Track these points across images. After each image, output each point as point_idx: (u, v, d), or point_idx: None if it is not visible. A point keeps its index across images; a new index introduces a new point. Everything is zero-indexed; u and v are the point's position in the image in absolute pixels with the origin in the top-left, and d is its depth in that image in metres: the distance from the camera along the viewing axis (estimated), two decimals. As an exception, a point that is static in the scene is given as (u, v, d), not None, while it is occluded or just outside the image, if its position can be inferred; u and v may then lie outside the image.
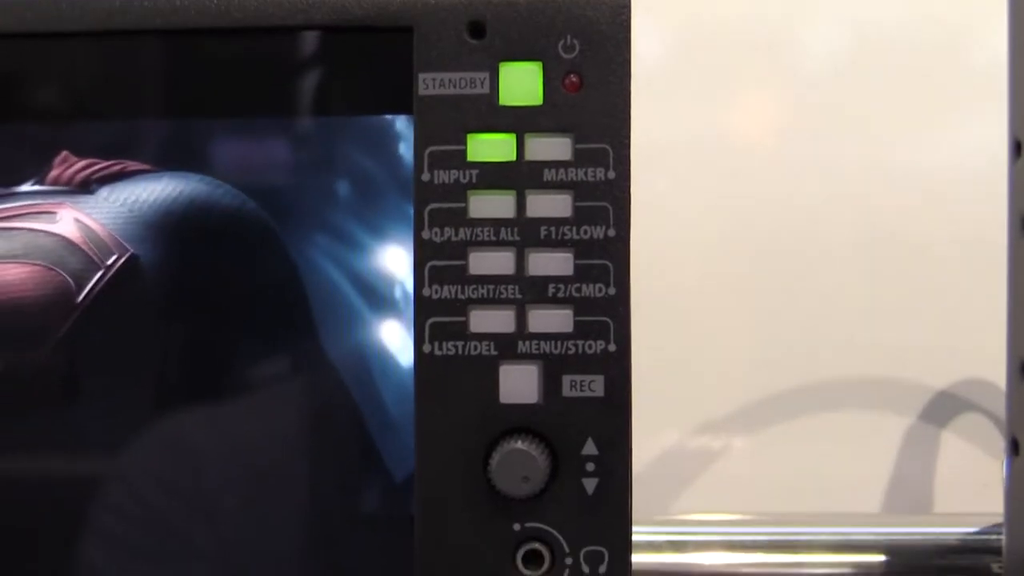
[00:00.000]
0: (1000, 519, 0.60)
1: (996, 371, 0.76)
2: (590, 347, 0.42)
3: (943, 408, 0.83)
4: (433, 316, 0.42)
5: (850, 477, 0.80)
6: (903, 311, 0.82)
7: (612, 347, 0.41)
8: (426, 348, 0.42)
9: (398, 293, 0.43)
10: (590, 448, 0.42)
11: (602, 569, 0.42)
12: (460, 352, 0.42)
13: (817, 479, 0.81)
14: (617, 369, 0.41)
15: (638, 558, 0.42)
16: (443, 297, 0.42)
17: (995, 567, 0.60)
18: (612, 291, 0.41)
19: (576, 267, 0.41)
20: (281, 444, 0.44)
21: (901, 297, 0.82)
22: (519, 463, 0.41)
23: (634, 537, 0.42)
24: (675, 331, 0.81)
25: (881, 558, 0.61)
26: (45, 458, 0.44)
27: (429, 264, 0.42)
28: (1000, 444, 0.73)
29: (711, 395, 0.83)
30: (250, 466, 0.44)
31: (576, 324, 0.42)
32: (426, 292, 0.42)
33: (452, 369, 0.42)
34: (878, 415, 0.82)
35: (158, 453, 0.44)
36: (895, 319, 0.82)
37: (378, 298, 0.43)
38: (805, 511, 0.66)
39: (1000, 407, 0.76)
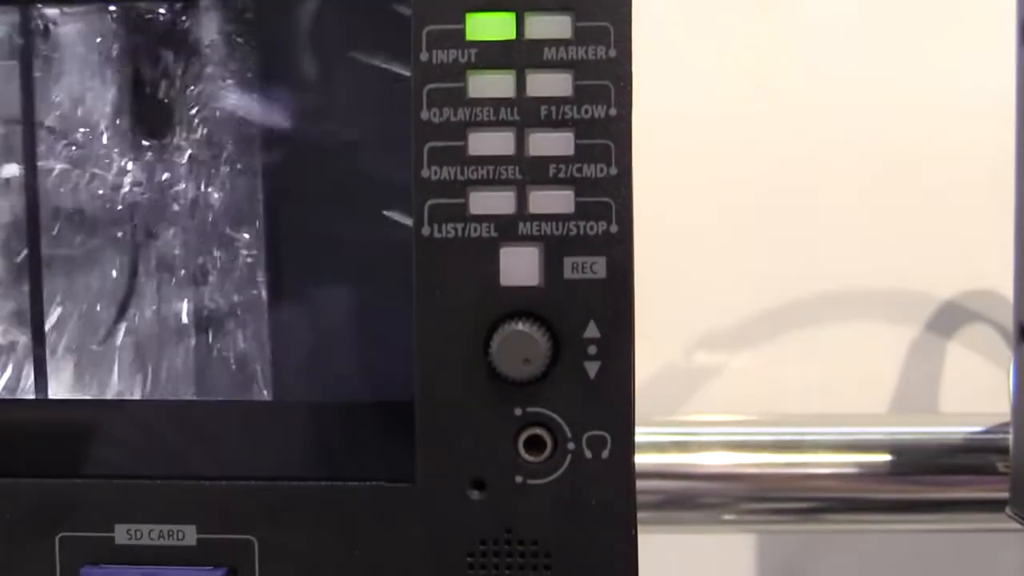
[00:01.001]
0: (1007, 419, 0.60)
1: (1003, 283, 0.76)
2: (591, 228, 0.41)
3: (950, 319, 0.82)
4: (432, 198, 0.42)
5: (856, 387, 0.80)
6: (909, 225, 0.81)
7: (614, 228, 0.41)
8: (425, 231, 0.42)
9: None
10: (592, 331, 0.41)
11: (605, 454, 0.42)
12: (460, 234, 0.42)
13: (823, 390, 0.81)
14: (619, 251, 0.41)
15: (641, 459, 0.42)
16: (442, 179, 0.42)
17: (1001, 466, 0.60)
18: (614, 171, 0.41)
19: (577, 147, 0.41)
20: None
21: (908, 211, 0.81)
22: (520, 345, 0.41)
23: (638, 438, 0.42)
24: (688, 245, 0.81)
25: (886, 458, 0.61)
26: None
27: (428, 145, 0.42)
28: (1006, 354, 0.74)
29: (718, 309, 0.83)
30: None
31: (577, 205, 0.41)
32: (425, 173, 0.42)
33: (452, 252, 0.42)
34: (885, 326, 0.82)
35: None
36: (901, 233, 0.82)
37: None
38: (810, 412, 0.66)
39: (1007, 319, 0.76)
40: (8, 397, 0.45)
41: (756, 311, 0.83)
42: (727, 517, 0.61)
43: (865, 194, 0.82)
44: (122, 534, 0.43)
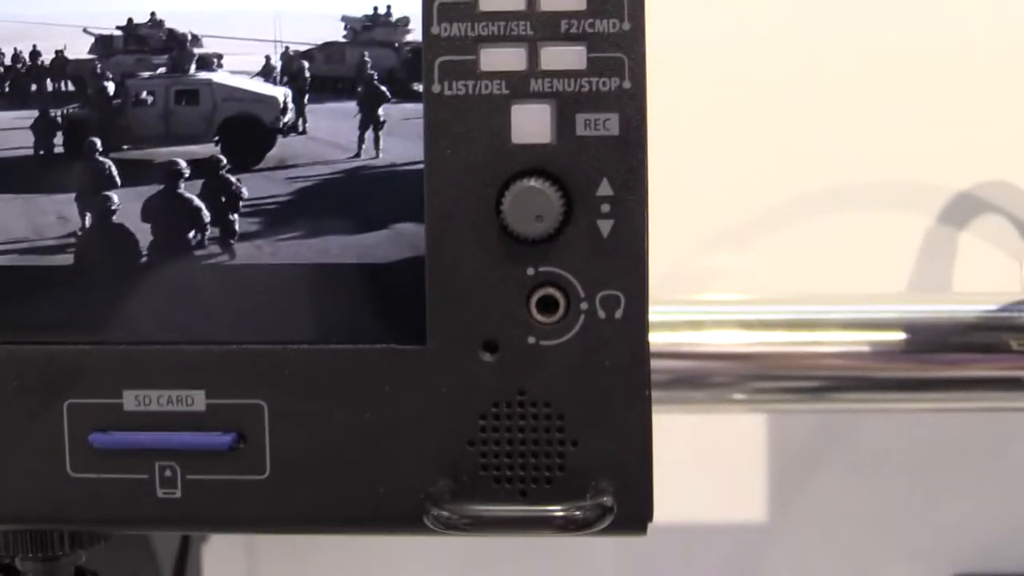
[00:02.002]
0: (1022, 297, 0.60)
1: (1017, 173, 0.76)
2: (604, 84, 0.41)
3: (963, 210, 0.82)
4: (442, 55, 0.42)
5: (869, 278, 0.80)
6: (922, 115, 0.81)
7: (627, 84, 0.41)
8: (435, 88, 0.42)
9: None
10: (605, 189, 0.41)
11: (618, 314, 0.42)
12: (470, 92, 0.42)
13: (835, 283, 0.81)
14: (632, 107, 0.41)
15: (654, 337, 0.42)
16: (452, 35, 0.41)
17: (1015, 344, 0.60)
18: (627, 26, 0.41)
19: (589, 1, 0.41)
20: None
21: (922, 101, 0.81)
22: (532, 201, 0.41)
23: (651, 317, 0.42)
24: (695, 140, 0.81)
25: (900, 336, 0.61)
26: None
27: (438, 1, 0.41)
28: (1019, 245, 0.74)
29: (730, 201, 0.83)
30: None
31: (590, 61, 0.41)
32: (435, 30, 0.41)
33: (462, 109, 0.42)
34: (898, 217, 0.82)
35: None
36: (913, 123, 0.82)
37: None
38: (823, 291, 0.66)
39: (1021, 210, 0.76)
40: (15, 264, 0.45)
41: (765, 206, 0.83)
42: (737, 396, 0.61)
43: (878, 85, 0.81)
44: (131, 400, 0.44)
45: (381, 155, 0.43)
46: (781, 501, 0.85)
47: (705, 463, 0.84)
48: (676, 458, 0.65)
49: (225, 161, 0.44)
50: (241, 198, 0.44)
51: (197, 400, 0.44)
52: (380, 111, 0.43)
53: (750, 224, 0.83)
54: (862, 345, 0.61)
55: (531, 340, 0.42)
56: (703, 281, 0.84)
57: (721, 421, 0.82)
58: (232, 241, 0.44)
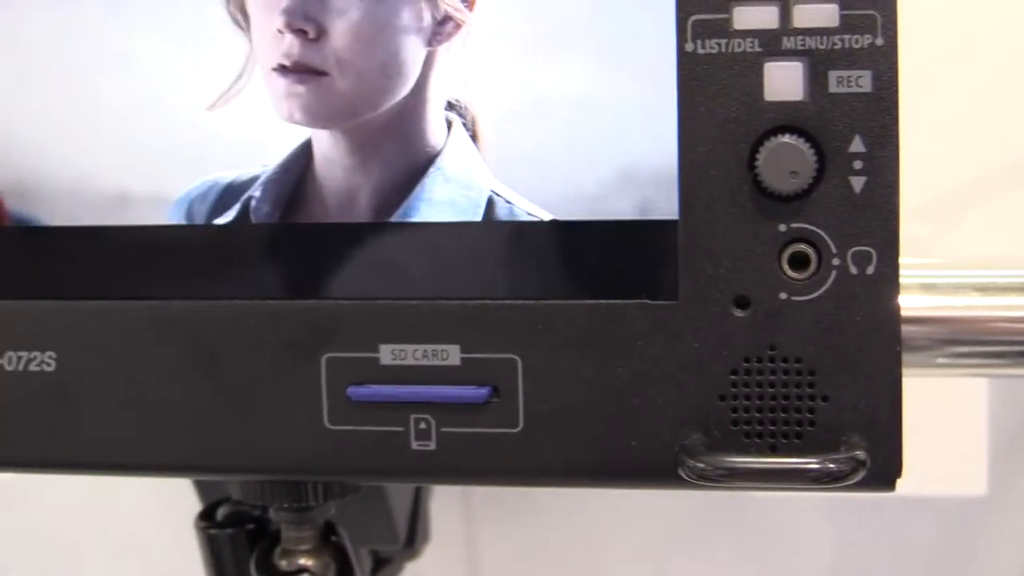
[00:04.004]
0: None
1: None
2: (856, 41, 0.43)
3: None
4: (695, 14, 0.43)
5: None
6: None
7: (880, 41, 0.43)
8: (688, 47, 0.43)
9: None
10: (857, 145, 0.43)
11: (870, 270, 0.43)
12: (723, 50, 0.43)
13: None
14: (885, 63, 0.43)
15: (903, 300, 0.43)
16: (705, -7, 0.43)
17: None
18: None
19: (842, -41, 0.42)
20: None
21: None
22: (787, 157, 0.43)
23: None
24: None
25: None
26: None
27: (690, -40, 0.43)
28: None
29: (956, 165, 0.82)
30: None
31: (842, 18, 0.43)
32: (687, -11, 0.43)
33: (715, 67, 0.43)
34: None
35: None
36: None
37: None
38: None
39: None
40: (276, 221, 0.48)
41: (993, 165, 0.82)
42: (940, 361, 0.61)
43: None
44: (387, 354, 0.46)
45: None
46: (1001, 474, 0.85)
47: (922, 433, 0.84)
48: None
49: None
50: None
51: (452, 354, 0.46)
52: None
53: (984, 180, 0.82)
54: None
55: (783, 296, 0.44)
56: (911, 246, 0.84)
57: (937, 390, 0.82)
58: (487, 199, 0.46)
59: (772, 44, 0.43)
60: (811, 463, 0.43)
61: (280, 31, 0.47)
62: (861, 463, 0.43)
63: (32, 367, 0.49)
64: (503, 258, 0.46)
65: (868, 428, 0.44)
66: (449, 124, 0.46)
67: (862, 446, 0.44)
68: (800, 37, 0.43)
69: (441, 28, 0.46)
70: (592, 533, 0.86)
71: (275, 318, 0.48)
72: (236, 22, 0.48)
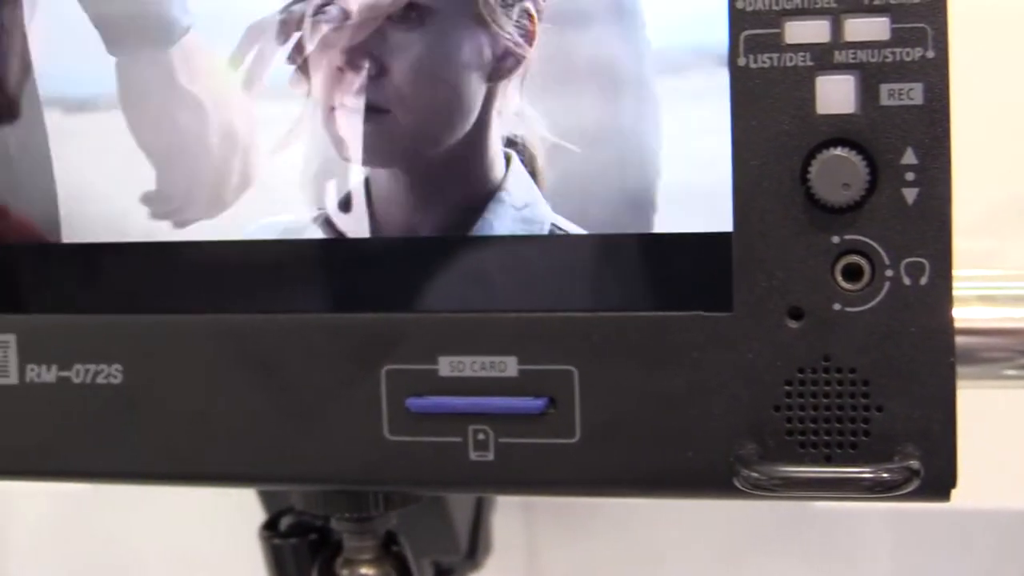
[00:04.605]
0: None
1: None
2: (907, 55, 0.44)
3: None
4: (747, 29, 0.44)
5: None
6: None
7: (931, 54, 0.43)
8: (741, 61, 0.44)
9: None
10: (909, 157, 0.44)
11: (923, 281, 0.44)
12: (776, 64, 0.44)
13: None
14: (936, 76, 0.43)
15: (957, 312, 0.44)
16: (757, 9, 0.44)
17: None
18: None
19: (893, -28, 0.43)
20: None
21: None
22: (839, 169, 0.43)
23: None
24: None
25: None
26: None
27: (742, -24, 0.44)
28: None
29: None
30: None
31: (893, 31, 0.44)
32: (740, 4, 0.44)
33: (767, 82, 0.44)
34: None
35: None
36: None
37: None
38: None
39: None
40: (336, 236, 0.49)
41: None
42: (1008, 372, 0.61)
43: None
44: (445, 366, 0.47)
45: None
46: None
47: (982, 446, 0.84)
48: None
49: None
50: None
51: (509, 366, 0.47)
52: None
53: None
54: None
55: (836, 307, 0.44)
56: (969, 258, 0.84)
57: (1002, 402, 0.82)
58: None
59: (824, 58, 0.44)
60: (865, 472, 0.44)
61: (341, 69, 0.48)
62: (915, 473, 0.44)
63: (99, 379, 0.51)
64: (560, 271, 0.47)
65: (922, 438, 0.45)
66: (508, 159, 0.47)
67: (916, 456, 0.44)
68: (852, 51, 0.44)
69: (501, 64, 0.47)
70: (654, 545, 0.86)
71: (336, 331, 0.49)
72: (295, 63, 0.49)
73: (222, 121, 0.49)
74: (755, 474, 0.44)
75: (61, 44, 0.51)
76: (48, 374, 0.51)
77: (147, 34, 0.49)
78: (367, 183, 0.49)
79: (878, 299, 0.44)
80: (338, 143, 0.49)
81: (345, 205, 0.49)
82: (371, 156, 0.49)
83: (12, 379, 0.52)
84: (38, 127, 0.51)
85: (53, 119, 0.51)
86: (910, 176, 0.44)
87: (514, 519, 0.85)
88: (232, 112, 0.49)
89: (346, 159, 0.49)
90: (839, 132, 0.44)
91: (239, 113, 0.49)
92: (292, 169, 0.49)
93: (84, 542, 0.92)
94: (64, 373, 0.51)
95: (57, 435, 0.51)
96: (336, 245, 0.49)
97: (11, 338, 0.52)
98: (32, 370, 0.51)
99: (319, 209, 0.49)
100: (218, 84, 0.49)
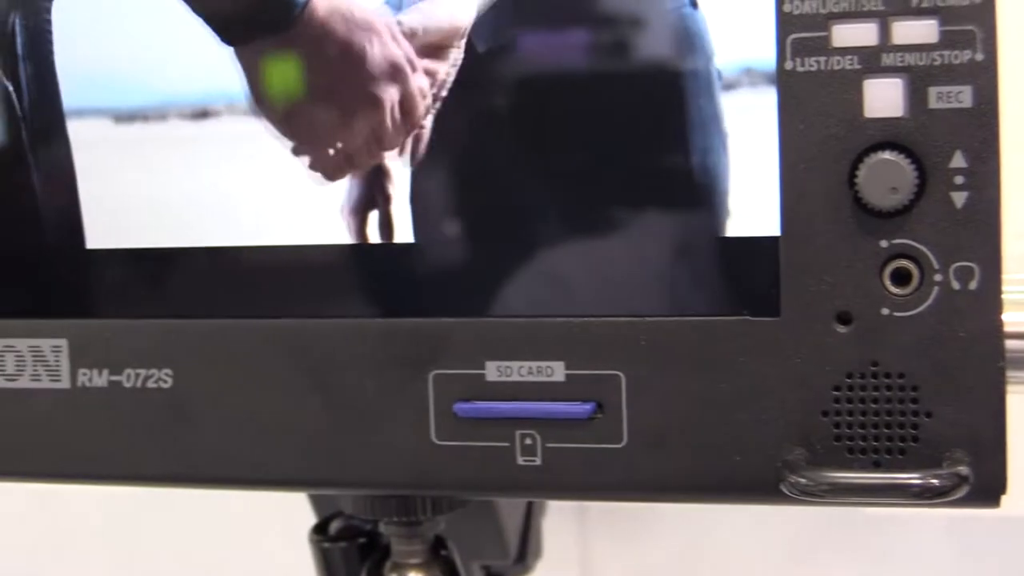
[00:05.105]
0: None
1: None
2: (956, 57, 0.44)
3: None
4: (794, 32, 0.44)
5: None
6: None
7: (979, 56, 0.43)
8: (788, 65, 0.44)
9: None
10: (958, 161, 0.44)
11: (972, 285, 0.44)
12: (823, 67, 0.44)
13: None
14: (985, 79, 0.43)
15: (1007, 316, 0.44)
16: (804, 12, 0.44)
17: None
18: None
19: (940, -25, 0.43)
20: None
21: None
22: (887, 173, 0.43)
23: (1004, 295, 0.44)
24: None
25: None
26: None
27: (788, -20, 0.44)
28: None
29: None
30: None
31: (941, 34, 0.44)
32: (787, 8, 0.44)
33: (815, 85, 0.44)
34: None
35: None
36: None
37: None
38: None
39: None
40: (383, 242, 0.49)
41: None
42: None
43: None
44: (493, 371, 0.48)
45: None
46: None
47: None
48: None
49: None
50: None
51: (556, 371, 0.47)
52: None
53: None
54: None
55: (884, 312, 0.44)
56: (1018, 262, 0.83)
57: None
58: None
59: (871, 61, 0.44)
60: (913, 478, 0.44)
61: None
62: (964, 479, 0.44)
63: (150, 384, 0.51)
64: (605, 275, 0.48)
65: (971, 444, 0.44)
66: None
67: (965, 461, 0.44)
68: (899, 54, 0.44)
69: None
70: (708, 550, 0.87)
71: (384, 336, 0.49)
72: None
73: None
74: (803, 480, 0.44)
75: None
76: (100, 378, 0.52)
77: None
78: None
79: (927, 304, 0.44)
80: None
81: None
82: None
83: (64, 383, 0.52)
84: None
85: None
86: (959, 180, 0.44)
87: (566, 522, 0.86)
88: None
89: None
90: (887, 136, 0.44)
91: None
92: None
93: (136, 543, 0.93)
94: (115, 377, 0.52)
95: (108, 439, 0.52)
96: (382, 250, 0.50)
97: (64, 343, 0.53)
98: (84, 374, 0.52)
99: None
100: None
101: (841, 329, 0.45)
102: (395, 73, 0.49)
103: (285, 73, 0.50)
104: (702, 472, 0.47)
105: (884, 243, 0.44)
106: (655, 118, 0.47)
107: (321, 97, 0.50)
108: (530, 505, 0.71)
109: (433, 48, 0.49)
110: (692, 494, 0.48)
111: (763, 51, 0.45)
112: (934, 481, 0.44)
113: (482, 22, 0.48)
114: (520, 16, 0.48)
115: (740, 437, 0.46)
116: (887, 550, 0.85)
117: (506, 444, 0.48)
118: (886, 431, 0.45)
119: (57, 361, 0.53)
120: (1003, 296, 0.44)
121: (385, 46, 0.49)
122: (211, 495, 0.79)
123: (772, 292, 0.46)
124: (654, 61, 0.47)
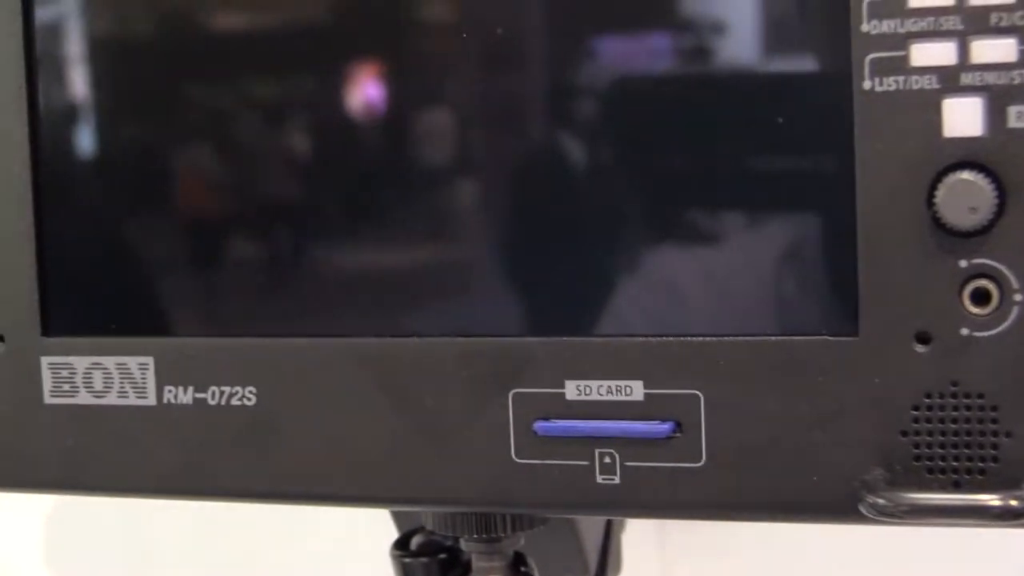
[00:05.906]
0: None
1: None
2: (1036, 77, 0.43)
3: None
4: (873, 51, 0.45)
5: None
6: None
7: (1060, 76, 0.43)
8: (866, 85, 0.45)
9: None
10: (1039, 180, 0.44)
11: (1053, 305, 0.44)
12: (901, 87, 0.44)
13: None
14: (1066, 98, 0.43)
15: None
16: (882, 32, 0.45)
17: None
18: None
19: (1020, -6, 0.43)
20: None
21: None
22: (966, 193, 0.44)
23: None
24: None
25: None
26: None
27: (867, 0, 0.44)
28: None
29: None
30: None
31: (1021, 53, 0.44)
32: (865, 28, 0.45)
33: (893, 105, 0.44)
34: None
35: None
36: None
37: None
38: None
39: None
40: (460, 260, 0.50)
41: None
42: None
43: None
44: (572, 390, 0.48)
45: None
46: None
47: None
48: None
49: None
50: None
51: (636, 390, 0.48)
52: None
53: None
54: None
55: (964, 332, 0.45)
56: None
57: None
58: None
59: (950, 80, 0.44)
60: (993, 500, 0.44)
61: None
62: (1045, 500, 0.44)
63: (234, 402, 0.53)
64: (684, 295, 0.48)
65: (1053, 464, 0.44)
66: None
67: (1047, 483, 0.44)
68: (979, 73, 0.44)
69: None
70: (790, 567, 0.86)
71: (465, 355, 0.50)
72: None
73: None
74: (882, 500, 0.45)
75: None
76: (185, 396, 0.53)
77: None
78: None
79: (1007, 323, 0.44)
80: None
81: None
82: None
83: (151, 400, 0.54)
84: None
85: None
86: (1039, 199, 0.44)
87: (647, 537, 0.86)
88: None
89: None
90: (966, 155, 0.44)
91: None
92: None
93: (223, 559, 0.94)
94: (200, 395, 0.53)
95: (193, 455, 0.53)
96: (465, 268, 0.51)
97: (150, 360, 0.54)
98: (170, 391, 0.54)
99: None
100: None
101: (920, 349, 0.45)
102: None
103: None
104: (780, 492, 0.47)
105: (963, 263, 0.45)
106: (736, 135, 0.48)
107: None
108: (610, 521, 0.72)
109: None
110: (770, 514, 0.48)
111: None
112: (1014, 503, 0.44)
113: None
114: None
115: (818, 457, 0.46)
116: (969, 552, 0.85)
117: (585, 463, 0.49)
118: (966, 451, 0.45)
119: (144, 378, 0.54)
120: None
121: None
122: (294, 511, 0.80)
123: (851, 312, 0.46)
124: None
